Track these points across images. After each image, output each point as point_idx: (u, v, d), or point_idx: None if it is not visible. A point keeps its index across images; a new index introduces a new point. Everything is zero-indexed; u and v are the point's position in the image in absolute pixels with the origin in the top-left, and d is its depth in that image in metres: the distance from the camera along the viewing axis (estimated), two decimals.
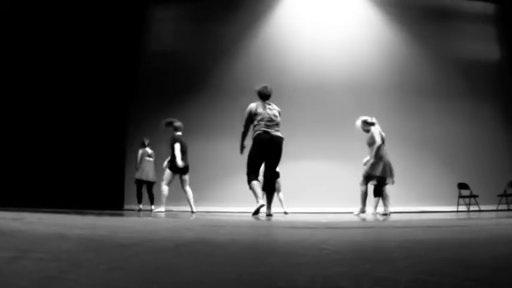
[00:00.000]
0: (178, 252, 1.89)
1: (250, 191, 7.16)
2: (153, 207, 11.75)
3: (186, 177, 10.05)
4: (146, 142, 12.12)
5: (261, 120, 7.40)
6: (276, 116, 7.53)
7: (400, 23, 12.81)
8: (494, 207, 11.44)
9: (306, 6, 13.07)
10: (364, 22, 12.94)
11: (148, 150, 12.10)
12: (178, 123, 10.29)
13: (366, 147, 11.72)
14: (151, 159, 12.08)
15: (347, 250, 1.99)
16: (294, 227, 4.06)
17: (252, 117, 7.51)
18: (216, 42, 13.14)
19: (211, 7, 13.33)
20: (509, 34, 12.87)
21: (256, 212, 7.04)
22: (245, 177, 7.18)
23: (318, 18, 12.92)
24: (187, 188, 10.08)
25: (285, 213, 10.69)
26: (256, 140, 7.30)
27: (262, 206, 6.94)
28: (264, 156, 7.35)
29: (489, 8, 13.15)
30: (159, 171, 11.17)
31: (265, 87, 7.84)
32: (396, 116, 11.95)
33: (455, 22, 12.91)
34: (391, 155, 11.25)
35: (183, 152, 10.04)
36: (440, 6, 12.84)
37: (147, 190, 12.02)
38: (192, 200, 10.14)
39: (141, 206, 11.92)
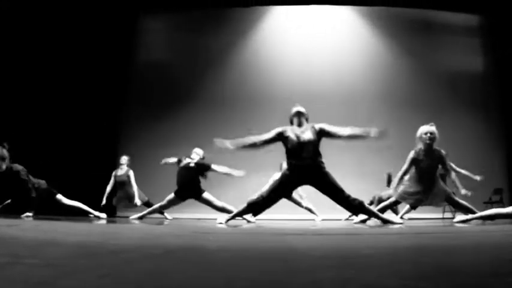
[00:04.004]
0: (168, 258, 1.91)
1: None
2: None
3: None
4: (122, 160, 10.25)
5: None
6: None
7: (386, 34, 12.90)
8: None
9: (295, 18, 13.14)
10: (351, 33, 13.02)
11: (121, 170, 10.24)
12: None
13: (355, 156, 11.78)
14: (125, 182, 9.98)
15: (334, 256, 2.02)
16: (283, 233, 4.08)
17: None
18: (206, 53, 13.15)
19: (201, 18, 13.34)
20: (492, 46, 12.99)
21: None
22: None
23: (306, 29, 12.99)
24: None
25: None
26: None
27: None
28: None
29: (473, 19, 13.26)
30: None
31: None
32: (381, 125, 12.00)
33: (440, 33, 13.00)
34: (377, 164, 11.34)
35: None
36: (425, 18, 12.94)
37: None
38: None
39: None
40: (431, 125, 7.11)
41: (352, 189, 11.80)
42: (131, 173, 10.20)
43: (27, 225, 4.38)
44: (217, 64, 13.05)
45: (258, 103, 12.41)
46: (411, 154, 7.15)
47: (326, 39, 12.90)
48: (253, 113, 12.27)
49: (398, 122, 12.12)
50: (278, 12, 13.26)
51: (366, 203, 8.74)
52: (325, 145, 11.74)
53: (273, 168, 10.75)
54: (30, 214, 8.75)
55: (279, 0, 13.35)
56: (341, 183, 6.09)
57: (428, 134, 6.99)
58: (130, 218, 8.92)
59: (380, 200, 9.60)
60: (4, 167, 7.88)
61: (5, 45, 12.21)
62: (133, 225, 6.04)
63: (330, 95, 12.36)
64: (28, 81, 12.52)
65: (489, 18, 13.06)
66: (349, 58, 12.74)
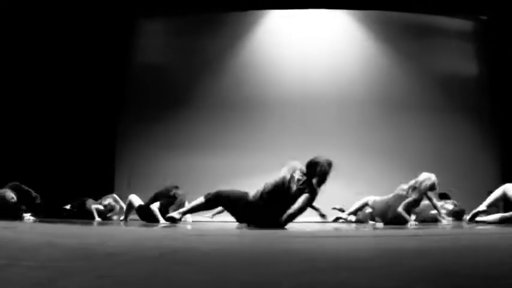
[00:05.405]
0: (164, 260, 1.92)
1: None
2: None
3: None
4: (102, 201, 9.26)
5: None
6: None
7: (382, 38, 12.87)
8: None
9: (291, 21, 13.09)
10: (347, 37, 12.99)
11: (102, 204, 9.22)
12: None
13: (348, 158, 11.78)
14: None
15: (329, 259, 2.02)
16: (279, 236, 4.09)
17: None
18: (203, 56, 13.10)
19: (199, 21, 13.29)
20: (487, 51, 13.01)
21: None
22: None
23: (302, 33, 12.94)
24: None
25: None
26: None
27: None
28: None
29: (468, 25, 13.27)
30: None
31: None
32: (376, 128, 12.08)
33: (436, 38, 12.99)
34: (371, 167, 11.36)
35: None
36: (421, 22, 12.93)
37: None
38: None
39: None
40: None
41: (344, 192, 11.92)
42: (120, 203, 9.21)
43: (23, 228, 4.38)
44: (214, 67, 13.03)
45: (256, 105, 12.38)
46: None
47: (322, 42, 12.90)
48: (251, 115, 12.26)
49: (394, 124, 12.15)
50: (274, 16, 13.27)
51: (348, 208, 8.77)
52: (319, 145, 11.77)
53: (272, 168, 10.83)
54: (32, 217, 8.72)
55: (275, 4, 13.36)
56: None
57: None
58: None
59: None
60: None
61: (4, 45, 12.19)
62: (130, 227, 6.04)
63: (326, 98, 12.36)
64: (26, 83, 12.49)
65: (484, 23, 13.11)
66: (345, 60, 12.75)
